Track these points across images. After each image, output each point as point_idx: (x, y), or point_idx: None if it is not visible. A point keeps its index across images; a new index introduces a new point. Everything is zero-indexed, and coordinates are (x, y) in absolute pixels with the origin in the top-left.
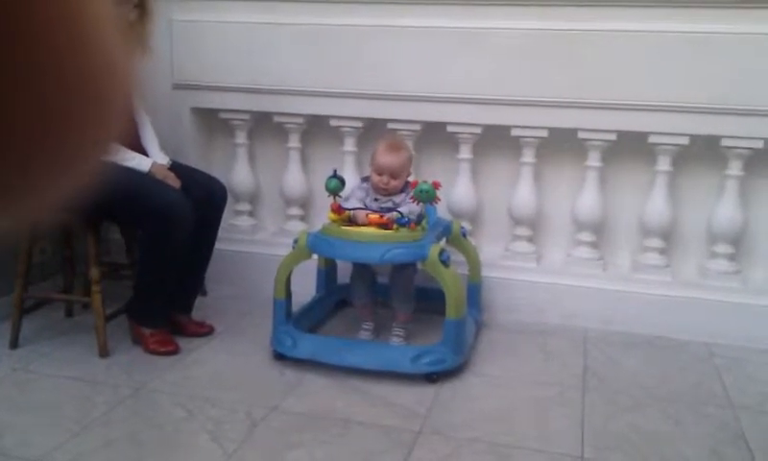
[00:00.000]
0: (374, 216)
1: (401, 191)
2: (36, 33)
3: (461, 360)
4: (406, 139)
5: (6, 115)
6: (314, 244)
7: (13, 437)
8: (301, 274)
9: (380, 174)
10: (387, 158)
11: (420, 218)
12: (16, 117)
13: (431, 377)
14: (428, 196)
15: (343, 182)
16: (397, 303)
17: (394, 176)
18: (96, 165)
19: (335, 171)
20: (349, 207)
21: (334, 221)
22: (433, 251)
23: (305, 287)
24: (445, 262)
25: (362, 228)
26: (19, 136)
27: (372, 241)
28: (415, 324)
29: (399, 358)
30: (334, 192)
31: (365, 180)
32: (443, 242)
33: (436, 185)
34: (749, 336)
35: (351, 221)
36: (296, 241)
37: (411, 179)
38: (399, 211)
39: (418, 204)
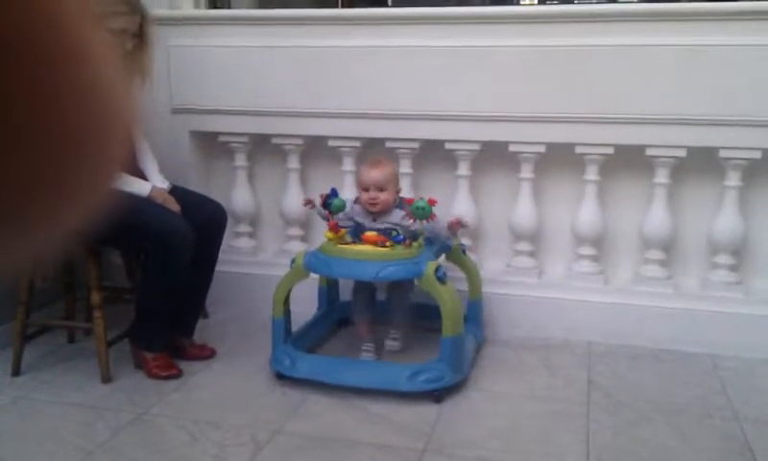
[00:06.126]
0: (371, 234)
1: (397, 207)
2: (32, 64)
3: (460, 377)
4: (405, 157)
5: (6, 151)
6: (310, 263)
7: None
8: (303, 292)
9: (367, 189)
10: (370, 173)
11: (415, 235)
12: (17, 154)
13: (436, 396)
14: (424, 213)
15: (344, 202)
16: (394, 319)
17: (380, 188)
18: (99, 197)
19: (335, 191)
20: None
21: (331, 239)
22: (429, 267)
23: (307, 306)
24: (442, 279)
25: (358, 246)
26: (20, 174)
27: (367, 259)
28: (413, 341)
29: (396, 376)
30: (338, 211)
31: (356, 203)
32: (441, 259)
33: (432, 202)
34: (753, 347)
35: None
36: (293, 261)
37: (407, 196)
38: (402, 227)
39: (415, 220)
